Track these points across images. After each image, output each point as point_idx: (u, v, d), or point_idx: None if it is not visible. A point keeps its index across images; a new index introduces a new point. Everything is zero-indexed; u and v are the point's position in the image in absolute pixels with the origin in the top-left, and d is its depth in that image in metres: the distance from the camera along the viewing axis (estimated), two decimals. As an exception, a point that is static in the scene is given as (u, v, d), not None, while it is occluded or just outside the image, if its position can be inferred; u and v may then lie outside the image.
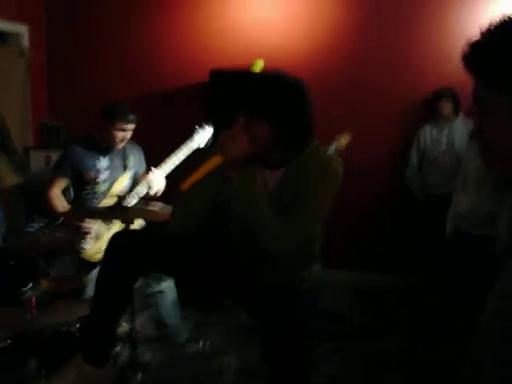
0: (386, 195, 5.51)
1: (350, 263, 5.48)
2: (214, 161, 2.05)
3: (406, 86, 5.33)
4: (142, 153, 4.00)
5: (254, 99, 2.07)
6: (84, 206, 3.71)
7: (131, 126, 3.70)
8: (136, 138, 3.91)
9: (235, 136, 2.05)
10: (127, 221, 2.75)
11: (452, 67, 5.15)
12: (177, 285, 3.85)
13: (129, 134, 3.73)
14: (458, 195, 3.96)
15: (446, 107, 4.94)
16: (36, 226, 3.11)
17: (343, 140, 4.61)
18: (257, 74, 1.86)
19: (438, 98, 4.95)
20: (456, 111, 4.98)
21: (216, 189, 2.15)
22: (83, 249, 3.61)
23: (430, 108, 5.11)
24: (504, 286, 1.24)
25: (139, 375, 2.82)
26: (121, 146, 3.75)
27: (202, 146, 3.93)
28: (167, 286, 3.80)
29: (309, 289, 2.30)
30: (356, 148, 4.93)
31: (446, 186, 4.81)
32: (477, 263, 3.72)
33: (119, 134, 3.67)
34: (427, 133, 5.09)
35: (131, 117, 3.66)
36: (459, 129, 4.96)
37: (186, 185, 2.06)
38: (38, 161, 5.81)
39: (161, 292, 3.79)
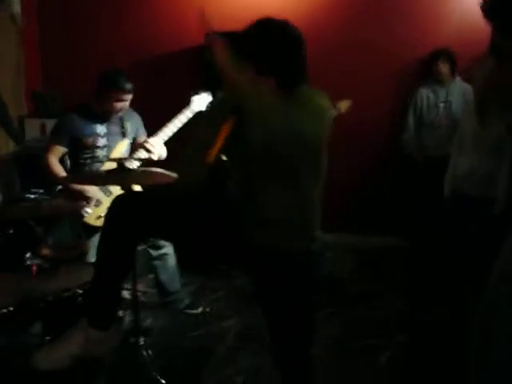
0: (384, 157, 5.50)
1: (349, 227, 5.49)
2: (227, 126, 2.04)
3: (403, 46, 5.32)
4: (139, 118, 3.98)
5: (241, 41, 2.15)
6: (83, 171, 3.70)
7: (129, 96, 3.69)
8: (133, 105, 3.88)
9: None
10: (127, 184, 2.73)
11: (450, 28, 5.14)
12: (176, 251, 3.86)
13: (127, 104, 3.72)
14: (455, 157, 3.96)
15: (443, 67, 4.92)
16: (33, 193, 3.09)
17: (343, 106, 4.61)
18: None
19: (435, 59, 4.94)
20: (453, 73, 4.96)
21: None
22: (85, 214, 3.60)
23: (427, 69, 5.09)
24: (509, 253, 1.24)
25: (141, 340, 2.83)
26: (116, 114, 3.74)
27: (201, 109, 3.92)
28: (167, 252, 3.82)
29: (314, 250, 2.29)
30: (353, 110, 4.95)
31: (443, 149, 4.80)
32: (476, 224, 3.73)
33: (118, 105, 3.65)
34: (424, 95, 5.07)
35: (129, 86, 3.63)
36: (456, 91, 4.95)
37: (210, 158, 2.07)
38: (32, 129, 5.77)
39: (160, 258, 3.81)
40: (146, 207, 2.22)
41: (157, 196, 2.35)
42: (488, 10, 1.08)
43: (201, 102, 3.93)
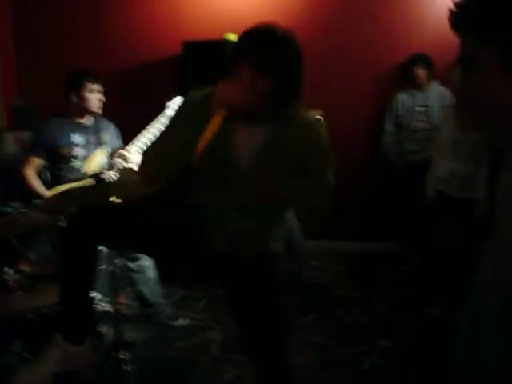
0: (364, 163, 5.52)
1: (331, 233, 5.49)
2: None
3: (379, 51, 5.37)
4: (116, 129, 3.96)
5: (263, 52, 1.93)
6: (62, 187, 3.66)
7: (100, 87, 3.71)
8: (109, 114, 3.87)
9: (232, 85, 1.98)
10: (108, 196, 2.72)
11: (425, 33, 5.19)
12: (155, 262, 3.84)
13: (102, 96, 3.72)
14: (437, 160, 4.00)
15: (420, 72, 4.95)
16: (11, 207, 3.05)
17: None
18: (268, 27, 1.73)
19: (412, 63, 4.97)
20: (430, 77, 5.00)
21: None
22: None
23: (404, 74, 5.12)
24: (495, 258, 1.21)
25: (123, 354, 2.80)
26: (99, 110, 3.73)
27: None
28: (145, 263, 3.79)
29: (274, 252, 2.26)
30: (333, 117, 4.93)
31: (422, 153, 4.84)
32: (458, 226, 3.77)
33: (92, 97, 3.66)
34: (400, 100, 5.10)
35: (96, 76, 3.68)
36: (433, 95, 4.99)
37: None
38: (9, 142, 5.72)
39: (139, 271, 3.78)
40: (106, 218, 2.20)
41: (118, 207, 2.34)
42: (458, 17, 1.07)
43: (174, 106, 3.95)
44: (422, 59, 4.95)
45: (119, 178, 3.48)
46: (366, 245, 5.48)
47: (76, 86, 3.64)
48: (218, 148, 2.06)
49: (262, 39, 1.95)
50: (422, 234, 4.59)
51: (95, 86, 3.67)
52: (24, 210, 3.08)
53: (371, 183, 5.51)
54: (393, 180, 5.26)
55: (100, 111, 3.74)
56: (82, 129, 3.73)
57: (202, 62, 5.00)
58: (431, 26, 5.17)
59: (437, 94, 4.97)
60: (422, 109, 5.01)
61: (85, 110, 3.71)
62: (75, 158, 3.68)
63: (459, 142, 3.77)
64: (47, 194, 3.58)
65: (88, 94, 3.65)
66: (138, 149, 3.75)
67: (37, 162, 3.68)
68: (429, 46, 5.04)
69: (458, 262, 3.63)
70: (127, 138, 3.85)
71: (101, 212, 2.22)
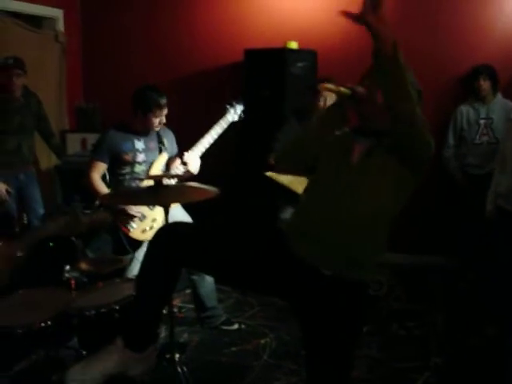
0: (425, 175, 5.41)
1: (389, 245, 5.40)
2: (346, 92, 2.13)
3: (447, 60, 5.26)
4: (173, 136, 4.03)
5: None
6: (123, 189, 3.74)
7: (165, 110, 3.76)
8: (170, 120, 3.94)
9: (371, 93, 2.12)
10: (165, 201, 2.75)
11: (491, 44, 5.07)
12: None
13: (164, 118, 3.78)
14: (497, 175, 3.91)
15: (484, 84, 4.85)
16: (74, 207, 3.13)
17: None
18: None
19: (476, 75, 4.86)
20: (494, 89, 4.89)
21: (332, 126, 2.29)
22: (130, 229, 3.65)
23: (467, 86, 5.02)
24: None
25: (177, 355, 2.83)
26: (157, 129, 3.81)
27: (235, 119, 4.10)
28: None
29: (365, 282, 2.25)
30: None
31: (484, 167, 4.74)
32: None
33: (156, 120, 3.73)
34: (464, 113, 5.00)
35: (164, 101, 3.72)
36: (497, 108, 4.88)
37: (322, 86, 2.21)
38: (74, 144, 5.88)
39: (198, 273, 3.81)
40: (189, 240, 2.20)
41: (200, 227, 2.35)
42: None
43: (235, 112, 4.04)
44: (486, 71, 4.84)
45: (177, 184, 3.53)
46: (423, 258, 5.39)
47: (144, 108, 3.69)
48: (338, 151, 2.25)
49: None
50: (481, 250, 4.49)
51: (162, 111, 3.73)
52: (86, 211, 3.15)
53: (431, 196, 5.41)
54: (454, 194, 5.16)
55: (158, 128, 3.82)
56: (143, 135, 3.81)
57: (263, 69, 5.04)
58: (496, 36, 5.06)
59: (501, 107, 4.86)
60: (486, 122, 4.91)
61: (145, 129, 3.79)
62: (137, 163, 3.76)
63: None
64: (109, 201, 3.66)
65: (153, 119, 3.71)
66: (198, 154, 3.83)
67: (102, 166, 3.76)
68: (493, 57, 4.93)
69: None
70: (188, 144, 3.92)
71: (187, 233, 2.23)
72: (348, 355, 2.22)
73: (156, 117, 3.71)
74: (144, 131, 3.79)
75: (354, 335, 2.22)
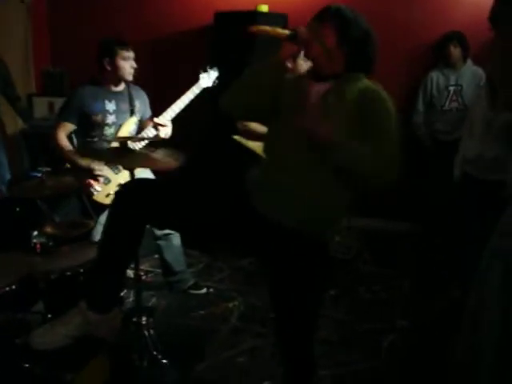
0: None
1: (357, 210, 5.45)
2: (284, 32, 2.13)
3: (418, 25, 5.24)
4: (147, 98, 3.97)
5: (347, 23, 2.15)
6: (88, 146, 3.69)
7: (132, 54, 3.71)
8: (141, 83, 3.89)
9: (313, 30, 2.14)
10: (128, 165, 2.72)
11: (462, 11, 5.07)
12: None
13: (134, 63, 3.71)
14: (465, 141, 3.93)
15: (454, 51, 4.85)
16: (41, 171, 3.08)
17: None
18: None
19: (447, 42, 4.86)
20: (464, 56, 4.90)
21: (271, 78, 2.20)
22: (94, 192, 3.62)
23: (438, 53, 5.02)
24: (503, 225, 1.23)
25: (144, 319, 2.83)
26: (130, 77, 3.72)
27: (208, 85, 4.03)
28: (171, 232, 3.82)
29: (327, 240, 2.25)
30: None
31: (453, 133, 4.77)
32: (484, 208, 3.71)
33: (127, 64, 3.66)
34: (434, 79, 5.01)
35: (127, 43, 3.69)
36: (467, 75, 4.89)
37: (254, 28, 2.19)
38: (41, 107, 5.80)
39: (165, 238, 3.81)
40: (153, 195, 2.18)
41: (164, 183, 2.32)
42: None
43: (208, 78, 4.00)
44: (456, 37, 4.83)
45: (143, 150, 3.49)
46: (392, 224, 5.45)
47: (110, 54, 3.63)
48: (294, 95, 2.21)
49: (347, 14, 2.17)
50: (447, 216, 4.54)
51: (129, 54, 3.67)
52: (52, 175, 3.12)
53: (400, 162, 5.45)
54: (423, 160, 5.19)
55: (132, 78, 3.75)
56: (114, 96, 3.74)
57: (234, 32, 4.98)
58: (466, 3, 5.05)
59: (471, 74, 4.87)
60: (456, 88, 4.92)
61: (118, 78, 3.72)
62: (107, 125, 3.70)
63: (489, 122, 3.69)
64: (78, 157, 3.62)
65: (122, 62, 3.64)
66: (170, 118, 3.80)
67: (68, 126, 3.69)
68: (463, 24, 4.93)
69: (481, 244, 3.58)
70: (158, 106, 3.88)
71: (150, 190, 2.20)
72: (312, 314, 2.26)
73: (124, 59, 3.64)
74: (116, 84, 3.74)
75: (317, 293, 2.25)
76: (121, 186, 2.26)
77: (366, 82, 2.18)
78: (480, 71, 4.82)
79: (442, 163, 4.53)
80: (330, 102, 2.11)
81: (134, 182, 2.45)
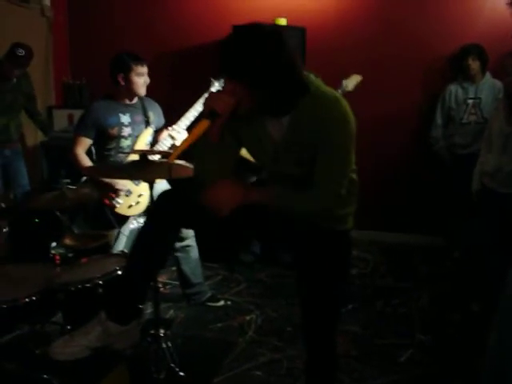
0: (412, 154, 5.44)
1: (374, 224, 5.44)
2: (201, 126, 1.95)
3: (436, 38, 5.24)
4: (159, 108, 4.01)
5: (223, 61, 1.99)
6: (109, 163, 3.72)
7: (146, 69, 3.74)
8: (158, 95, 3.91)
9: (220, 93, 1.99)
10: (149, 177, 2.75)
11: (480, 24, 5.06)
12: (199, 243, 3.88)
13: (147, 78, 3.75)
14: (484, 155, 3.92)
15: (473, 64, 4.83)
16: (60, 183, 3.11)
17: (351, 83, 4.47)
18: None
19: (465, 55, 4.84)
20: (483, 69, 4.88)
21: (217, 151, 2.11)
22: (116, 205, 3.65)
23: (456, 66, 5.01)
24: None
25: (161, 331, 2.84)
26: (144, 92, 3.76)
27: None
28: (189, 244, 3.84)
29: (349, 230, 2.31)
30: (383, 107, 4.90)
31: (471, 147, 4.75)
32: (504, 221, 3.69)
33: (140, 80, 3.70)
34: (452, 92, 4.98)
35: (141, 58, 3.73)
36: (486, 88, 4.87)
37: (172, 157, 2.03)
38: (60, 120, 5.85)
39: (183, 250, 3.82)
40: (188, 200, 2.16)
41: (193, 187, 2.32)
42: None
43: (219, 85, 4.03)
44: (475, 50, 4.81)
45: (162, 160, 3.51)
46: (410, 237, 5.42)
47: (124, 70, 3.67)
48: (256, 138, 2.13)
49: (226, 50, 2.01)
50: (466, 229, 4.51)
51: (143, 69, 3.71)
52: (72, 186, 3.14)
53: (418, 175, 5.43)
54: (440, 173, 5.17)
55: (145, 93, 3.79)
56: (128, 109, 3.79)
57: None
58: (485, 17, 5.04)
59: (490, 87, 4.85)
60: (474, 101, 4.90)
61: (132, 93, 3.75)
62: (124, 137, 3.75)
63: (507, 136, 3.67)
64: (95, 174, 3.65)
65: (136, 78, 3.68)
66: (185, 126, 3.83)
67: (86, 142, 3.73)
68: (482, 37, 4.92)
69: (499, 258, 3.55)
70: (173, 118, 3.91)
71: (185, 199, 2.18)
72: (335, 300, 2.30)
73: (138, 75, 3.68)
74: (130, 98, 3.78)
75: (340, 278, 2.29)
76: (158, 197, 2.24)
77: (307, 99, 1.97)
78: (499, 84, 4.79)
79: (461, 176, 4.50)
80: (292, 141, 2.04)
81: (167, 193, 2.43)
